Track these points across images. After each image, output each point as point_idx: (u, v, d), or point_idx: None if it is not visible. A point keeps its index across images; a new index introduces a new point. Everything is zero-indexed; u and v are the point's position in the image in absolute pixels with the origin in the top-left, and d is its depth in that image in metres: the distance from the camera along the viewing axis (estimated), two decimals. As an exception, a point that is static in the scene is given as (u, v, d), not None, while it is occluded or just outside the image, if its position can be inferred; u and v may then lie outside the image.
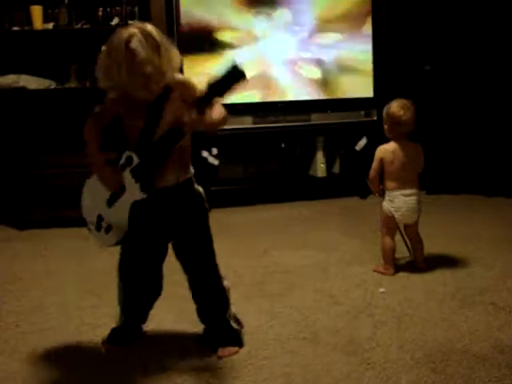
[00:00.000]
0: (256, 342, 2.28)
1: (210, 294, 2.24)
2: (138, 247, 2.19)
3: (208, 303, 2.25)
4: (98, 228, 2.18)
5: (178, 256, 2.22)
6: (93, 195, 2.19)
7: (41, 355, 2.26)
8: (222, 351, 2.19)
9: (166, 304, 2.42)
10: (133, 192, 2.07)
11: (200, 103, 1.94)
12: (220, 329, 2.24)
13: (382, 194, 2.99)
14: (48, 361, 2.22)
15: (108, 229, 2.16)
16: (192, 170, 2.19)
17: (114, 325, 2.34)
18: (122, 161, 2.07)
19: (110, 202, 2.13)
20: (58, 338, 2.40)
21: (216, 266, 2.24)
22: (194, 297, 2.25)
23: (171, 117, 2.03)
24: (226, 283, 2.27)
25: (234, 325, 2.28)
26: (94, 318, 2.57)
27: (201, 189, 2.21)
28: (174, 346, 2.28)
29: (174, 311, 2.54)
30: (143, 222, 2.13)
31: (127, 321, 2.32)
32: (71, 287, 2.96)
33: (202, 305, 2.25)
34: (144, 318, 2.36)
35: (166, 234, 2.19)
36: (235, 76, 1.90)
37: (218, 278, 2.24)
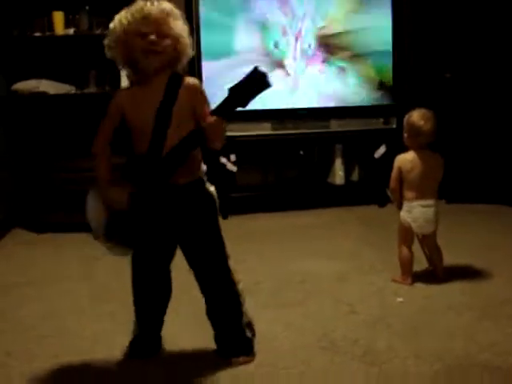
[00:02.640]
0: (272, 350, 2.26)
1: (221, 299, 2.19)
2: (146, 248, 2.14)
3: (219, 309, 2.20)
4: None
5: (189, 260, 2.18)
6: (98, 204, 2.12)
7: (57, 360, 2.25)
8: (235, 361, 2.17)
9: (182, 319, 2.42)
10: None
11: (220, 110, 1.91)
12: (233, 337, 2.21)
13: (401, 207, 2.97)
14: (63, 366, 2.22)
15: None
16: (204, 169, 2.15)
17: (129, 331, 2.33)
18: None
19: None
20: (75, 342, 2.40)
21: (228, 270, 2.18)
22: (205, 302, 2.22)
23: (183, 112, 2.02)
24: (240, 288, 2.21)
25: (248, 333, 2.24)
26: (110, 323, 2.57)
27: (212, 188, 2.15)
28: (185, 358, 2.26)
29: (190, 323, 2.53)
30: (151, 220, 2.09)
31: (143, 329, 2.27)
32: (88, 292, 2.97)
33: (213, 310, 2.21)
34: (159, 325, 2.29)
35: (173, 234, 2.14)
36: (259, 83, 1.85)
37: (230, 282, 2.18)
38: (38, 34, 4.24)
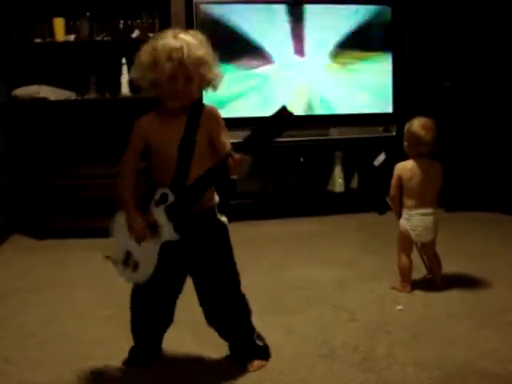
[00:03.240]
0: (272, 357, 2.26)
1: (235, 327, 2.21)
2: (154, 278, 2.07)
3: (234, 333, 2.22)
4: (126, 264, 2.09)
5: (200, 291, 2.16)
6: (123, 229, 2.08)
7: (57, 366, 2.25)
8: (250, 365, 2.19)
9: (183, 322, 2.42)
10: (165, 231, 2.00)
11: (245, 146, 1.89)
12: (247, 349, 2.23)
13: (400, 216, 2.97)
14: (63, 372, 2.21)
15: (136, 266, 2.07)
16: (216, 199, 2.14)
17: (130, 338, 2.33)
18: (157, 197, 2.00)
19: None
20: (75, 348, 2.40)
21: (243, 298, 2.19)
22: (216, 326, 2.21)
23: (204, 140, 2.02)
24: (250, 307, 2.23)
25: (261, 343, 2.26)
26: (111, 329, 2.57)
27: (224, 218, 2.15)
28: (186, 365, 2.27)
29: (191, 329, 2.54)
30: (166, 250, 2.05)
31: (139, 342, 2.26)
32: (89, 298, 2.97)
33: (228, 334, 2.23)
34: (157, 345, 2.28)
35: (185, 263, 2.12)
36: (285, 121, 1.84)
37: (245, 309, 2.20)
38: (38, 40, 4.25)
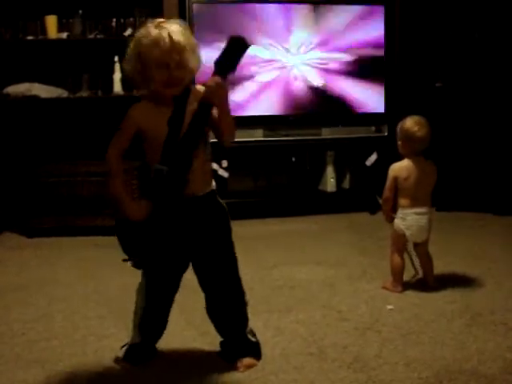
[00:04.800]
0: (262, 356, 2.25)
1: (231, 312, 2.21)
2: (161, 262, 2.12)
3: (229, 321, 2.22)
4: None
5: (200, 274, 2.18)
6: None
7: (46, 364, 2.24)
8: (240, 363, 2.18)
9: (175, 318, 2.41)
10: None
11: (217, 68, 1.96)
12: (239, 343, 2.23)
13: (391, 220, 2.97)
14: (53, 371, 2.20)
15: None
16: (214, 184, 2.17)
17: (120, 336, 2.33)
18: (152, 174, 2.01)
19: None
20: (64, 347, 2.39)
21: (240, 283, 2.20)
22: (213, 313, 2.22)
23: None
24: (247, 298, 2.24)
25: (253, 339, 2.26)
26: (101, 328, 2.56)
27: (223, 203, 2.18)
28: (174, 363, 2.26)
29: (183, 326, 2.53)
30: (168, 233, 2.07)
31: (145, 338, 2.25)
32: (78, 296, 2.96)
33: (223, 322, 2.23)
34: (161, 334, 2.29)
35: (189, 246, 2.13)
36: (240, 46, 1.94)
37: (241, 296, 2.22)
38: (30, 38, 4.24)
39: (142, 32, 2.02)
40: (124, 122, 2.09)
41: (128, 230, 2.07)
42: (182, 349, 2.36)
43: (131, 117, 2.08)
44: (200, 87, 2.07)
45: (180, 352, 2.34)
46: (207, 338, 2.37)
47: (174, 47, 1.96)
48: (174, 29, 1.99)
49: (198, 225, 2.10)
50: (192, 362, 2.26)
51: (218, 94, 1.98)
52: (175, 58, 1.97)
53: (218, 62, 1.96)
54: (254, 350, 2.25)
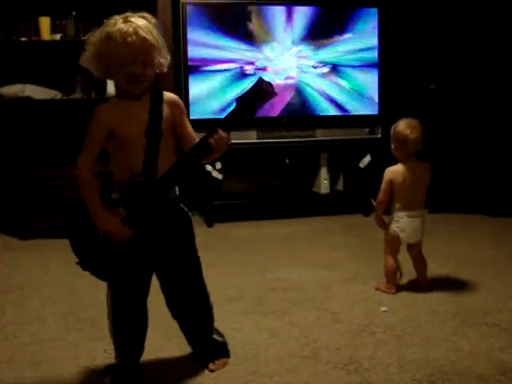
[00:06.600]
0: (256, 358, 2.26)
1: (198, 317, 2.21)
2: (128, 276, 2.05)
3: (196, 326, 2.22)
4: None
5: (164, 282, 2.13)
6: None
7: (39, 367, 2.24)
8: (212, 365, 2.18)
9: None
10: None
11: (228, 123, 1.92)
12: (207, 346, 2.23)
13: (383, 226, 2.97)
14: (46, 373, 2.19)
15: None
16: (177, 191, 2.11)
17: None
18: (125, 188, 1.94)
19: None
20: (56, 349, 2.38)
21: (205, 287, 2.19)
22: (180, 319, 2.21)
23: (168, 127, 2.00)
24: (211, 300, 2.23)
25: (220, 339, 2.26)
26: (94, 330, 2.55)
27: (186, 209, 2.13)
28: (157, 367, 2.26)
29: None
30: (136, 244, 2.00)
31: (124, 359, 2.14)
32: (71, 298, 2.95)
33: (190, 328, 2.22)
34: (140, 352, 2.17)
35: (153, 254, 2.06)
36: (265, 92, 1.87)
37: (206, 299, 2.21)
38: (24, 39, 4.22)
39: (110, 27, 1.92)
40: (92, 127, 1.98)
41: (88, 238, 2.02)
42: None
43: (100, 119, 1.97)
44: (173, 95, 2.05)
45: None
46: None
47: (141, 43, 1.89)
48: (141, 24, 1.91)
49: (160, 231, 2.04)
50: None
51: (222, 151, 1.96)
52: (141, 55, 1.90)
53: (239, 100, 1.90)
54: (223, 350, 2.25)
